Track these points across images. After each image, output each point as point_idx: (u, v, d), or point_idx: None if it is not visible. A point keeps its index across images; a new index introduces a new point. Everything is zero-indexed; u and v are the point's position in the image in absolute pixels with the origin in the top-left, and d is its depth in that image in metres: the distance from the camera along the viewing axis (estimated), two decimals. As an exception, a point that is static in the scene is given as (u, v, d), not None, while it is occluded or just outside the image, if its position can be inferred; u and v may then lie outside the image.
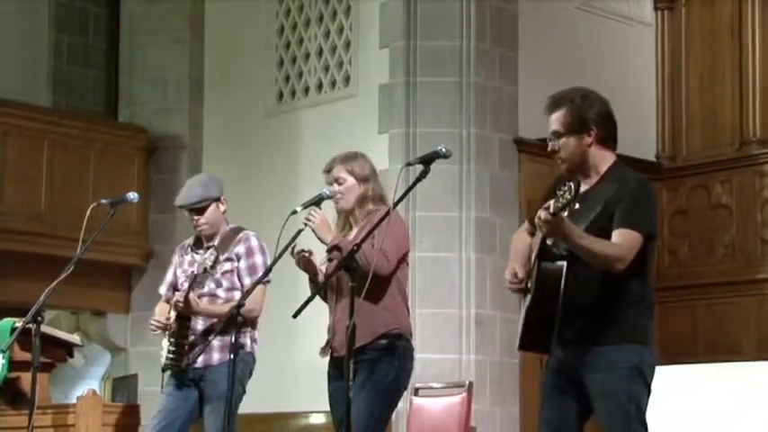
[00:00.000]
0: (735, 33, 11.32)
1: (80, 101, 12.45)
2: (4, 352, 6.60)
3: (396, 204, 5.25)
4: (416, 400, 7.60)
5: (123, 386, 11.31)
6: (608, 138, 4.84)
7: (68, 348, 7.44)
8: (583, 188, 4.80)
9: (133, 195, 6.52)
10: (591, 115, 4.79)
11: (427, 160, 5.15)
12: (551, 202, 4.48)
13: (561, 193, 4.46)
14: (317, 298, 5.65)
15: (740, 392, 8.26)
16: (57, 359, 7.39)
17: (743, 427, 8.15)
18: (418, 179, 5.14)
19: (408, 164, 5.24)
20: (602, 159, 4.83)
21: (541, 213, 4.51)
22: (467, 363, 9.73)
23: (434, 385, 7.93)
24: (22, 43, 12.13)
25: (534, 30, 10.65)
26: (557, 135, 4.81)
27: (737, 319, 10.86)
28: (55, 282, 6.12)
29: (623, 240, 4.65)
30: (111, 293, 11.58)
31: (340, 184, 5.72)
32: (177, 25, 11.80)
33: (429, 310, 9.68)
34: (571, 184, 4.45)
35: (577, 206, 4.70)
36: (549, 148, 4.86)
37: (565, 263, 4.70)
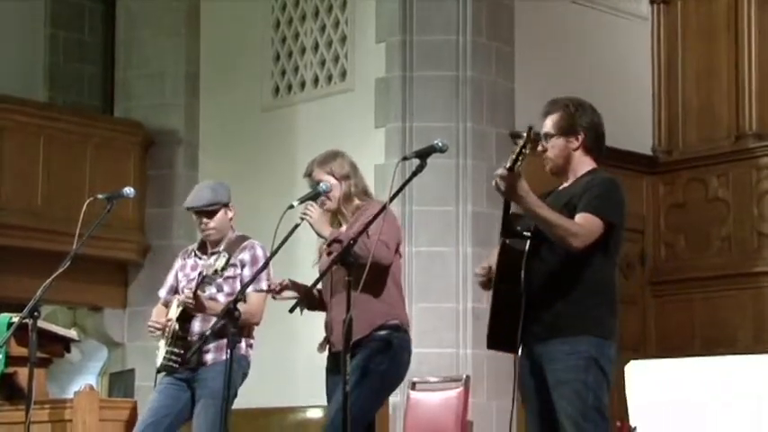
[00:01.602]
0: (731, 27, 11.33)
1: (76, 96, 12.45)
2: (1, 347, 6.60)
3: (392, 199, 5.25)
4: (413, 394, 7.61)
5: (120, 381, 11.32)
6: (593, 147, 5.05)
7: (65, 343, 7.44)
8: (559, 189, 5.06)
9: (129, 190, 6.51)
10: (581, 122, 5.03)
11: (424, 154, 5.17)
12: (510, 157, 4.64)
13: (516, 145, 4.63)
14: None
15: (737, 385, 8.27)
16: (54, 354, 7.39)
17: (739, 419, 8.16)
18: (415, 173, 5.16)
19: (405, 158, 5.27)
20: (582, 165, 5.04)
21: (498, 170, 4.67)
22: (464, 357, 9.74)
23: (431, 379, 7.94)
24: (18, 39, 12.13)
25: (531, 24, 10.65)
26: (547, 136, 5.03)
27: (734, 312, 10.88)
28: (51, 277, 6.13)
29: (584, 221, 4.80)
30: (107, 288, 11.58)
31: None
32: (173, 20, 11.79)
33: (426, 305, 9.69)
34: (524, 133, 4.62)
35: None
36: (538, 148, 5.01)
37: (527, 243, 4.83)
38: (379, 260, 5.34)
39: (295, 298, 5.59)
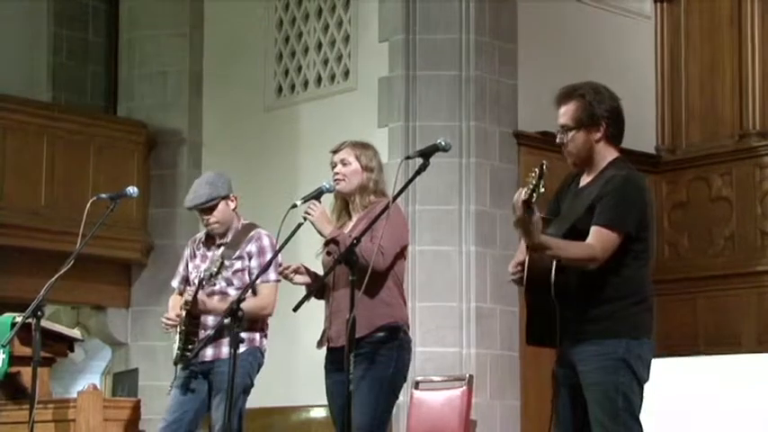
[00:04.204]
0: (734, 26, 11.32)
1: (79, 96, 12.46)
2: (4, 347, 6.60)
3: (395, 198, 5.25)
4: (417, 393, 7.61)
5: (124, 381, 11.32)
6: (615, 135, 4.85)
7: (69, 343, 7.43)
8: (582, 183, 4.89)
9: (133, 190, 6.52)
10: (601, 111, 4.80)
11: (427, 153, 5.17)
12: (523, 190, 4.46)
13: (530, 178, 4.43)
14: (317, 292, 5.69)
15: (740, 384, 8.27)
16: (57, 354, 7.39)
17: (743, 418, 8.16)
18: (418, 172, 5.15)
19: (408, 157, 5.26)
20: (605, 156, 4.84)
21: (516, 212, 4.47)
22: (467, 356, 9.73)
23: (435, 379, 7.94)
24: (21, 38, 12.13)
25: (533, 23, 10.65)
26: (566, 129, 4.81)
27: (737, 312, 10.86)
28: (55, 276, 6.14)
29: (597, 239, 4.65)
30: (111, 288, 11.58)
31: (344, 165, 5.72)
32: (176, 20, 11.79)
33: (429, 304, 9.69)
34: (537, 168, 4.41)
35: (571, 197, 4.80)
36: (557, 141, 4.84)
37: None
38: (373, 266, 5.32)
39: (306, 284, 5.61)
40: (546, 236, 4.61)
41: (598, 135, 4.80)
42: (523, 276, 4.82)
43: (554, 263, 4.70)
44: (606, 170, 4.80)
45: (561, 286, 4.71)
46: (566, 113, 4.81)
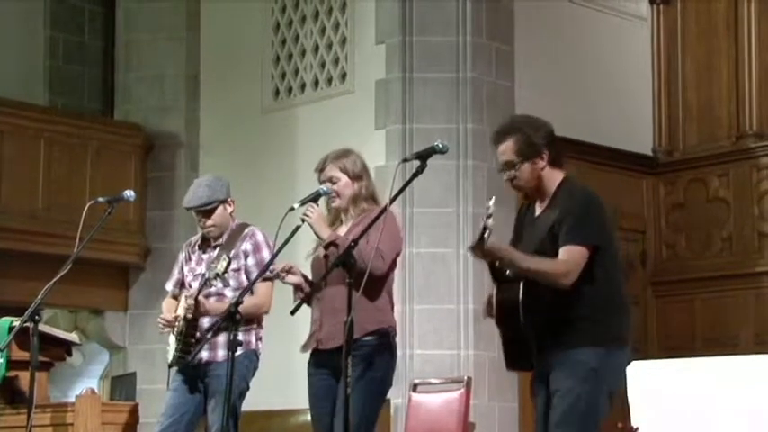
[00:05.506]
0: (731, 27, 11.33)
1: (76, 99, 12.44)
2: (2, 351, 6.60)
3: (392, 200, 5.25)
4: (415, 395, 7.60)
5: (122, 384, 11.31)
6: (557, 158, 4.99)
7: (67, 347, 7.43)
8: (537, 212, 5.03)
9: (130, 193, 6.53)
10: (539, 140, 4.95)
11: (424, 156, 5.18)
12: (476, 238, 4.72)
13: (486, 218, 4.67)
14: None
15: (738, 385, 8.26)
16: (55, 358, 7.39)
17: (741, 419, 8.15)
18: (415, 175, 5.17)
19: (405, 160, 5.28)
20: (553, 180, 4.98)
21: (468, 246, 4.78)
22: (465, 358, 9.74)
23: (433, 381, 7.93)
24: (18, 42, 12.12)
25: (530, 25, 10.66)
26: (510, 165, 4.95)
27: (735, 313, 10.88)
28: (53, 280, 6.14)
29: (568, 256, 4.78)
30: (108, 292, 11.57)
31: (333, 182, 5.70)
32: (173, 22, 11.79)
33: (427, 306, 9.69)
34: (487, 208, 4.66)
35: (533, 222, 4.98)
36: (504, 179, 4.98)
37: (521, 283, 4.84)
38: (371, 270, 5.32)
39: (297, 284, 5.63)
40: (517, 252, 4.81)
41: (542, 163, 4.95)
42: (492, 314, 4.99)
43: (521, 291, 4.82)
44: (558, 193, 4.95)
45: (531, 311, 4.82)
46: (506, 151, 4.96)
